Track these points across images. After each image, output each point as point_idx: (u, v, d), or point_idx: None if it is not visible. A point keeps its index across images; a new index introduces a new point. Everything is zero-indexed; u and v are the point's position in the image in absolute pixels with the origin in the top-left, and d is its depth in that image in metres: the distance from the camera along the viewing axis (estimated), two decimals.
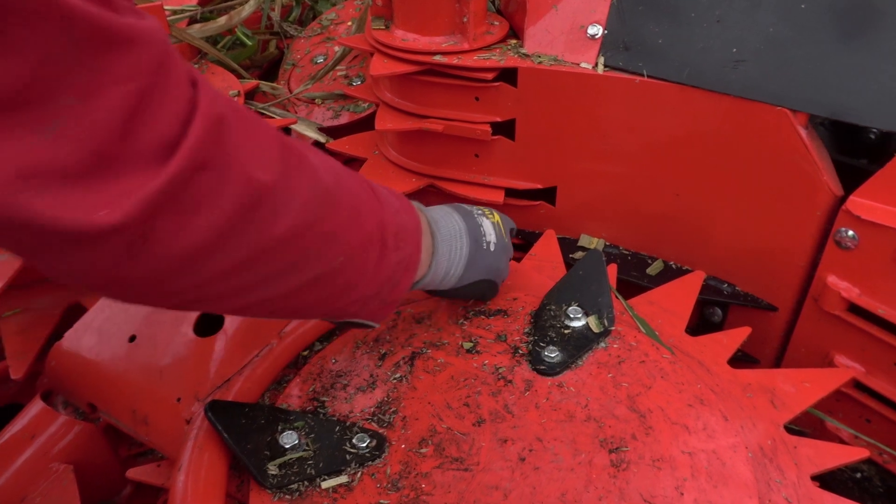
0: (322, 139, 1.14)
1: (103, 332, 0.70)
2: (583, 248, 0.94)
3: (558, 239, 0.95)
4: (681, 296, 0.81)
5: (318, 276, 0.50)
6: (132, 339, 0.68)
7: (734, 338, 0.75)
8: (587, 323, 0.72)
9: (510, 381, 0.67)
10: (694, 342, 0.75)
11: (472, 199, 0.93)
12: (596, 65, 0.82)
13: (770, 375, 0.70)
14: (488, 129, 0.88)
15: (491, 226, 0.71)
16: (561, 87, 0.84)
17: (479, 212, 0.72)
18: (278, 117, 1.15)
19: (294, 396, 0.66)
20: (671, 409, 0.63)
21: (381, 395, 0.66)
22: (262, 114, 1.17)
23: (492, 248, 0.70)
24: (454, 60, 0.86)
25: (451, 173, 0.96)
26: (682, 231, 0.88)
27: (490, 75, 0.85)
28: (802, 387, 0.69)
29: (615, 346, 0.71)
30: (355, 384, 0.68)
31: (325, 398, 0.66)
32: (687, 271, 0.90)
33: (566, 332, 0.71)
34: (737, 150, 0.79)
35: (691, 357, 0.72)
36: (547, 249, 0.90)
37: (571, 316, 0.72)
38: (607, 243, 0.95)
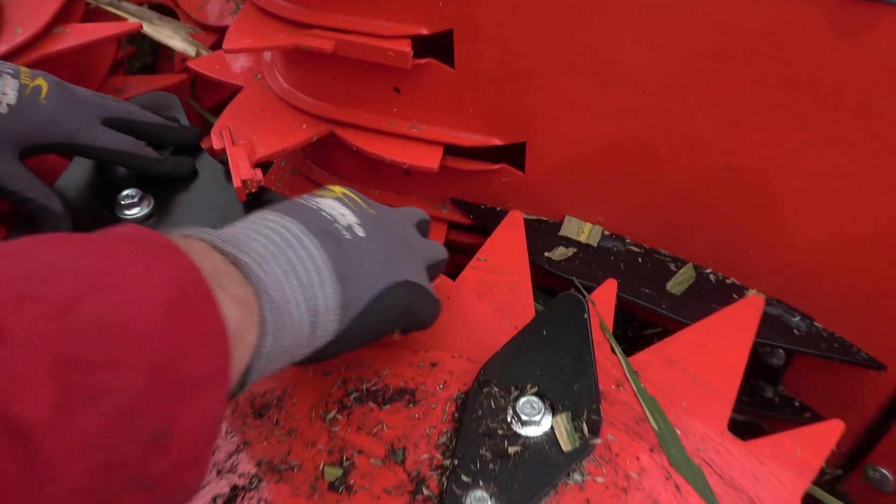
0: (192, 50, 0.77)
1: None
2: (567, 241, 0.60)
3: (528, 223, 0.60)
4: (724, 350, 0.47)
5: None
6: None
7: (815, 446, 0.43)
8: (552, 429, 0.40)
9: None
10: (745, 453, 0.42)
11: (391, 160, 0.58)
12: None
13: None
14: (407, 47, 0.52)
15: (335, 202, 0.40)
16: None
17: (308, 196, 0.41)
18: (131, 18, 0.78)
19: None
20: None
21: None
22: (115, 13, 0.80)
23: (359, 233, 0.39)
24: None
25: (360, 118, 0.60)
26: (729, 220, 0.53)
27: None
28: None
29: (599, 479, 0.39)
30: None
31: None
32: (732, 287, 0.55)
33: (513, 447, 0.39)
34: (844, 88, 0.42)
35: (740, 492, 0.40)
36: (507, 247, 0.56)
37: (524, 415, 0.40)
38: (606, 232, 0.60)
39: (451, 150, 0.59)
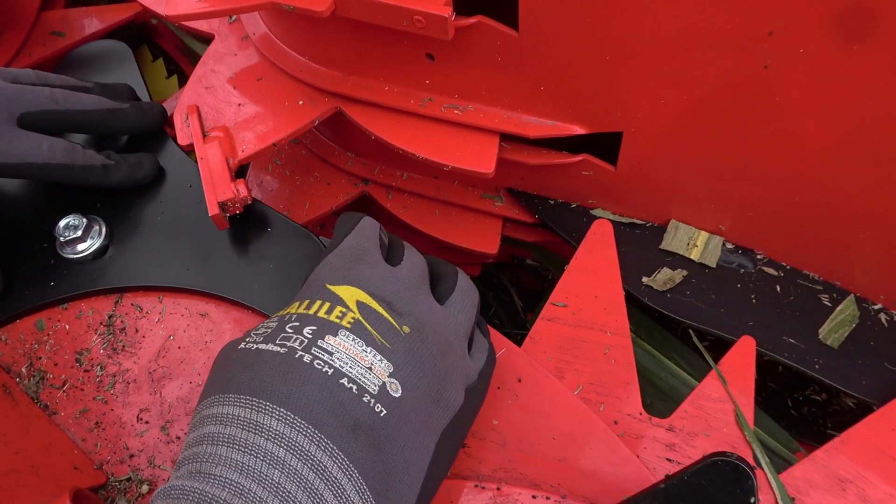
0: None
1: None
2: (674, 258, 0.44)
3: (617, 229, 0.44)
4: None
5: None
6: None
7: None
8: None
9: None
10: None
11: (424, 159, 0.41)
12: None
13: None
14: (447, 10, 0.33)
15: (353, 343, 0.26)
16: None
17: (307, 327, 0.26)
18: None
19: None
20: None
21: None
22: None
23: (394, 392, 0.26)
24: None
25: (378, 92, 0.42)
26: None
27: None
28: None
29: None
30: None
31: None
32: None
33: None
34: None
35: None
36: (594, 282, 0.40)
37: None
38: (729, 245, 0.43)
39: (507, 137, 0.42)
